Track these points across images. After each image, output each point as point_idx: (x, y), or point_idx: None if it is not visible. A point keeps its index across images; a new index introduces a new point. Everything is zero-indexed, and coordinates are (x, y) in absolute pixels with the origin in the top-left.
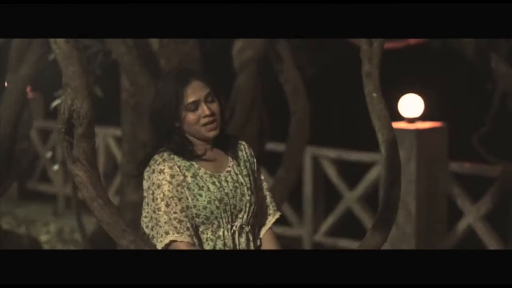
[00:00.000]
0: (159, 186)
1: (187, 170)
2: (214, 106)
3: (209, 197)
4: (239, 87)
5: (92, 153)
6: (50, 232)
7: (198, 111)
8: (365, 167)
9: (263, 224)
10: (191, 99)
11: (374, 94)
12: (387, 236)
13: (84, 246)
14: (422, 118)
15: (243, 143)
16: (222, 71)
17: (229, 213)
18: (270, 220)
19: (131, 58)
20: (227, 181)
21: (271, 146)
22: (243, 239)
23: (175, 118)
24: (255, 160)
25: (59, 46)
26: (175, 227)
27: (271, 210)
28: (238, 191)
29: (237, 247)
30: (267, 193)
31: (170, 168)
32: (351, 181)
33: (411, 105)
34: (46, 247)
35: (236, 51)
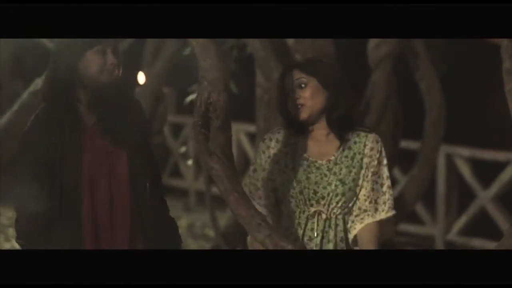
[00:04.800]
0: (256, 152)
1: (286, 146)
2: (305, 92)
3: (289, 177)
4: (374, 83)
5: (228, 147)
6: (181, 227)
7: (293, 95)
8: (500, 166)
9: (370, 216)
10: (288, 85)
11: None
12: None
13: (217, 241)
14: None
15: (369, 136)
16: (357, 67)
17: (306, 196)
18: (379, 215)
19: (266, 53)
20: (318, 168)
21: (405, 143)
22: (319, 226)
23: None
24: (376, 155)
25: (196, 39)
26: (250, 192)
27: (384, 207)
28: (325, 179)
29: (308, 231)
30: (386, 190)
31: (270, 139)
32: (485, 180)
33: None
34: None
35: (372, 47)
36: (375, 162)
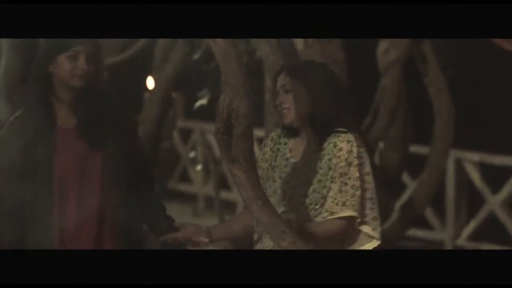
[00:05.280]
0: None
1: (276, 144)
2: (289, 97)
3: (268, 176)
4: (383, 88)
5: (251, 153)
6: None
7: (278, 99)
8: (509, 171)
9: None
10: (277, 89)
11: None
12: None
13: (226, 246)
14: None
15: (341, 136)
16: (366, 72)
17: (279, 196)
18: (338, 213)
19: (276, 58)
20: (293, 168)
21: (414, 148)
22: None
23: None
24: (345, 155)
25: (218, 44)
26: None
27: (343, 206)
28: (294, 179)
29: None
30: (351, 190)
31: (268, 138)
32: (495, 185)
33: None
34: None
35: (381, 52)
36: (343, 163)
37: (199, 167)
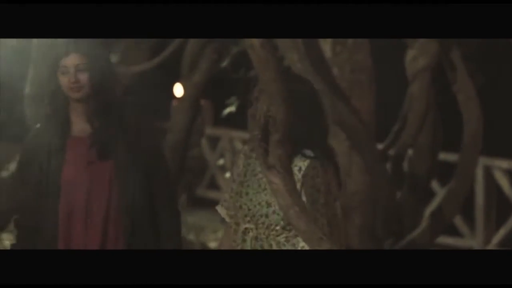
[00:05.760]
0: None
1: (247, 158)
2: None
3: (235, 190)
4: (412, 96)
5: (287, 160)
6: (218, 239)
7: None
8: None
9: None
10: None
11: None
12: None
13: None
14: None
15: (307, 161)
16: (394, 80)
17: (243, 212)
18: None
19: (304, 66)
20: (259, 185)
21: (443, 155)
22: (251, 244)
23: None
24: (309, 182)
25: (255, 51)
26: (225, 200)
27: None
28: (257, 197)
29: (240, 246)
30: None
31: (238, 154)
32: None
33: None
34: None
35: (410, 59)
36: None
37: (227, 175)
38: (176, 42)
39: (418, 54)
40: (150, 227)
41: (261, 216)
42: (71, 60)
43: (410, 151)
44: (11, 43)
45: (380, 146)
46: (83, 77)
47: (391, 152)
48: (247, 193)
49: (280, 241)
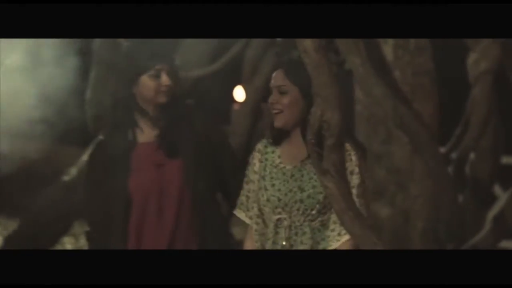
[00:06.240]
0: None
1: (263, 154)
2: (284, 99)
3: (260, 185)
4: (474, 99)
5: (342, 165)
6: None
7: (271, 98)
8: None
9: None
10: (271, 85)
11: None
12: None
13: None
14: None
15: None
16: (456, 83)
17: (273, 204)
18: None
19: (366, 69)
20: (284, 174)
21: (506, 159)
22: (285, 234)
23: None
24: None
25: (309, 55)
26: (241, 203)
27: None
28: (287, 185)
29: (278, 239)
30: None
31: (255, 151)
32: None
33: None
34: None
35: (471, 63)
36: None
37: None
38: (236, 47)
39: (480, 57)
40: (219, 227)
41: (295, 202)
42: (165, 64)
43: (472, 155)
44: (74, 45)
45: (442, 150)
46: (172, 80)
47: (453, 155)
48: (273, 185)
49: (315, 227)
